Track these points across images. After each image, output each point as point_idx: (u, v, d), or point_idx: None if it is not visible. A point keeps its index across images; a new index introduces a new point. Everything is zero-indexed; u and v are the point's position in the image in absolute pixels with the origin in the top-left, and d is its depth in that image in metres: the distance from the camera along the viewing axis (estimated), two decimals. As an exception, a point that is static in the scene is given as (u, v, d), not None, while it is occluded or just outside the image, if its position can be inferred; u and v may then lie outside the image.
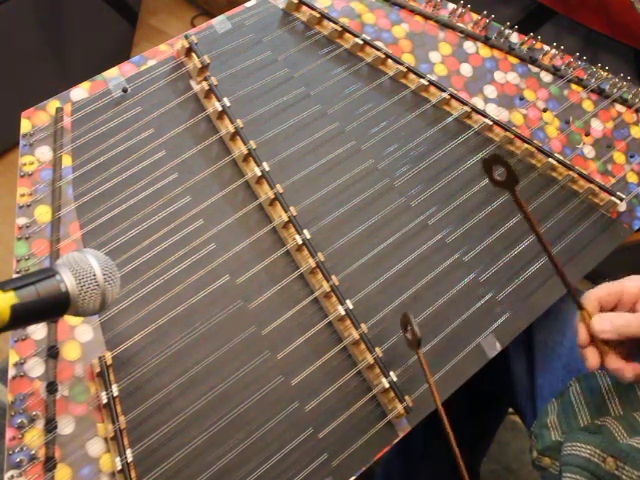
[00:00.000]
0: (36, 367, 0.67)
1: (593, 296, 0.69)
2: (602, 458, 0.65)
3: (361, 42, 0.88)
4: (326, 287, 0.75)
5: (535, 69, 0.96)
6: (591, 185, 0.89)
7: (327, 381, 0.74)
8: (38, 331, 0.68)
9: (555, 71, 0.96)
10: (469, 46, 0.95)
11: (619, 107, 0.98)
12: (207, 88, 0.80)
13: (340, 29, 0.87)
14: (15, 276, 0.69)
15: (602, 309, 0.69)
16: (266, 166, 0.78)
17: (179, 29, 2.05)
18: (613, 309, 0.70)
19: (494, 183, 0.64)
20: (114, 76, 0.80)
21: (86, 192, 0.74)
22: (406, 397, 0.73)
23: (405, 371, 0.76)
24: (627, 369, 0.67)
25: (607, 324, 0.66)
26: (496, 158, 0.62)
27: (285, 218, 0.76)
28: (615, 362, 0.67)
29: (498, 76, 0.94)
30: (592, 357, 0.67)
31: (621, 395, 0.76)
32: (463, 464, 0.61)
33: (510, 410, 1.19)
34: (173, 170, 0.78)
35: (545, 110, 0.94)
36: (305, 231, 0.76)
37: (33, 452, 0.64)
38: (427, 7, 0.94)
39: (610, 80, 0.98)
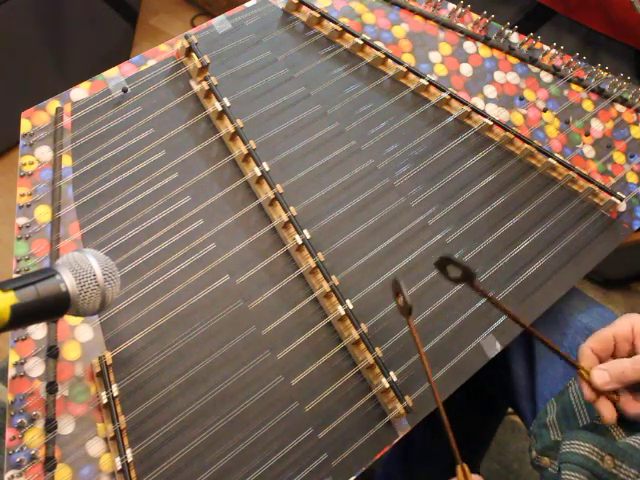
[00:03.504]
0: (36, 367, 0.67)
1: (586, 349, 0.68)
2: (600, 456, 0.65)
3: (361, 42, 0.88)
4: (326, 287, 0.75)
5: (535, 69, 0.96)
6: (591, 185, 0.89)
7: (327, 381, 0.74)
8: (38, 331, 0.68)
9: (555, 71, 0.96)
10: (469, 46, 0.95)
11: (619, 107, 0.98)
12: (207, 88, 0.80)
13: (340, 29, 0.87)
14: (15, 276, 0.69)
15: (600, 358, 0.68)
16: (266, 166, 0.78)
17: (179, 29, 2.05)
18: (614, 354, 0.68)
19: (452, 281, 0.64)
20: (114, 76, 0.80)
21: (86, 192, 0.74)
22: (406, 397, 0.73)
23: (405, 371, 0.76)
24: None
25: (606, 376, 0.65)
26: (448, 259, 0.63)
27: (285, 218, 0.76)
28: (634, 407, 0.66)
29: (498, 76, 0.94)
30: (607, 412, 0.66)
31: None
32: (461, 459, 0.61)
33: (510, 410, 1.19)
34: (173, 170, 0.78)
35: (545, 110, 0.94)
36: (305, 231, 0.76)
37: (33, 452, 0.64)
38: (427, 7, 0.94)
39: (610, 80, 0.98)
